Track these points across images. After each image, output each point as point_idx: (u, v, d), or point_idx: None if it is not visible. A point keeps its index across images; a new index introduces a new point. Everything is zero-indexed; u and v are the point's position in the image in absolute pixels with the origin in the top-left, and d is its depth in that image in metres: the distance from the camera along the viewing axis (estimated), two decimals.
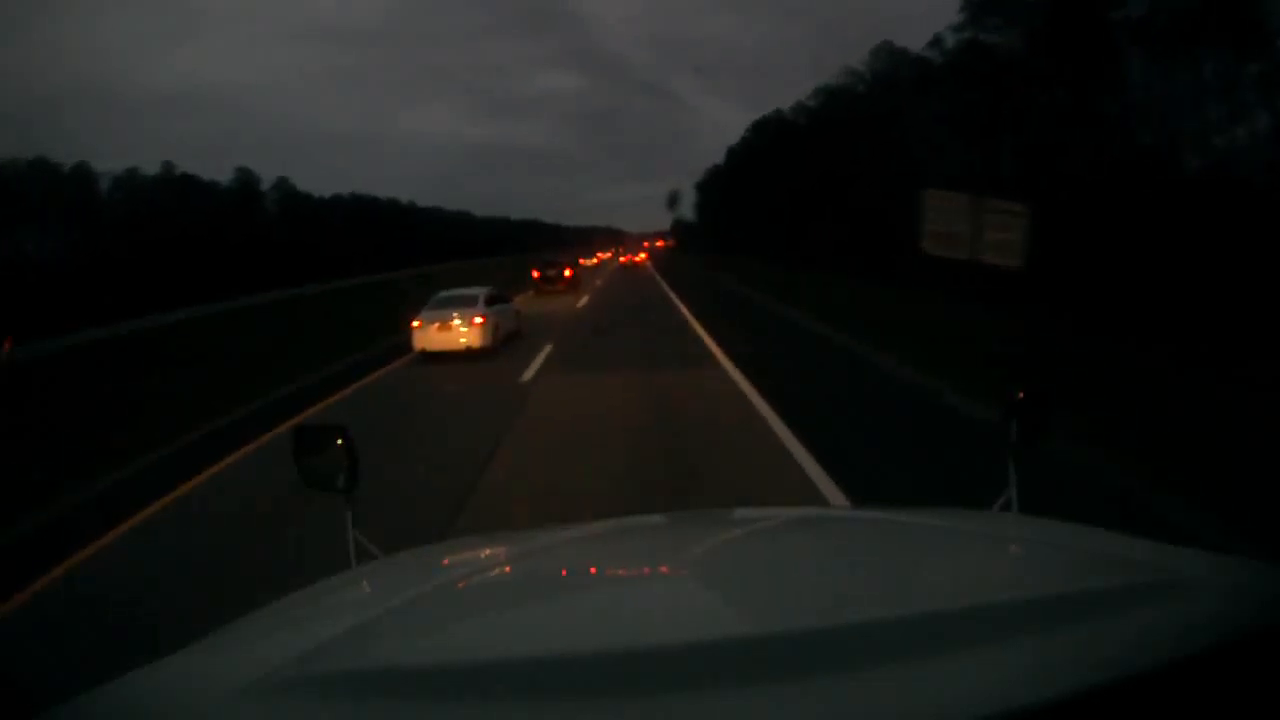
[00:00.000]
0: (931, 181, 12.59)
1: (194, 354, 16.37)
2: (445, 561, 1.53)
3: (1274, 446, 5.22)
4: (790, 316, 16.68)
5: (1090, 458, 5.19)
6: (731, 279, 30.18)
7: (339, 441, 1.68)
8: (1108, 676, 0.70)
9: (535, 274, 29.11)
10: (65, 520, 5.78)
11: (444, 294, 13.38)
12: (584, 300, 24.25)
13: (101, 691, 0.85)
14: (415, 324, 12.58)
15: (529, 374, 10.52)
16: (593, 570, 1.34)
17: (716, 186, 66.90)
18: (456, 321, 12.29)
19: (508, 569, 1.37)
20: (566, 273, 28.95)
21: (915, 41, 41.65)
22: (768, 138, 46.30)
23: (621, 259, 60.63)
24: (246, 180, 70.63)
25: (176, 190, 59.50)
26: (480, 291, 13.21)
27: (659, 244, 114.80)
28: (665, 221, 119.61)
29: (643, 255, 66.07)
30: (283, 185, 75.23)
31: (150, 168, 60.56)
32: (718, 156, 79.92)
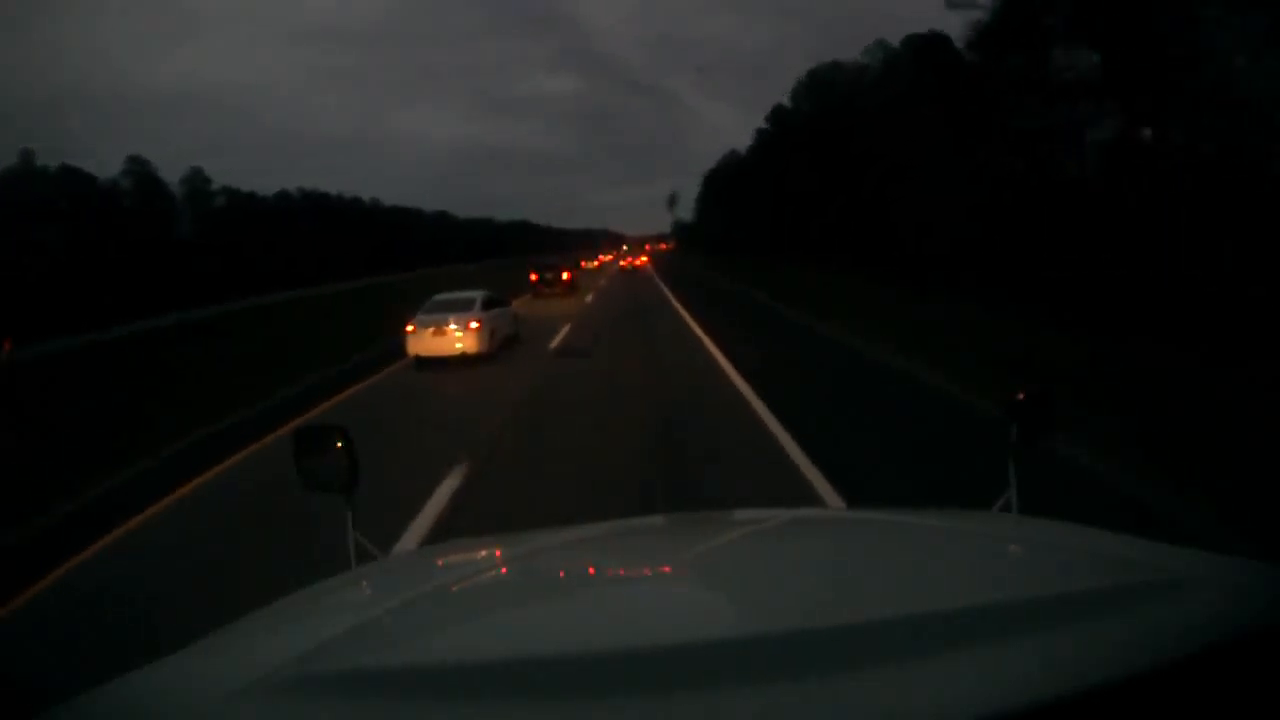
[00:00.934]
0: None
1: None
2: (445, 562, 1.53)
3: None
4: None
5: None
6: (754, 290, 25.49)
7: (339, 443, 1.68)
8: (1108, 676, 0.70)
9: (533, 277, 29.36)
10: None
11: (439, 297, 13.16)
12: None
13: (101, 691, 0.85)
14: (409, 328, 12.29)
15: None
16: (592, 571, 1.34)
17: (716, 188, 66.83)
18: (452, 326, 12.03)
19: (507, 570, 1.37)
20: (565, 276, 29.11)
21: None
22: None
23: (621, 263, 59.68)
24: (141, 174, 56.17)
25: (58, 186, 47.88)
26: (477, 295, 13.01)
27: (661, 246, 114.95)
28: (665, 223, 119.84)
29: (644, 259, 66.27)
30: (194, 180, 61.25)
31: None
32: (717, 157, 79.92)
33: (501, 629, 1.01)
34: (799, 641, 0.80)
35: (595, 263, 66.04)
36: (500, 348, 12.96)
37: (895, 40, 29.42)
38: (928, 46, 25.19)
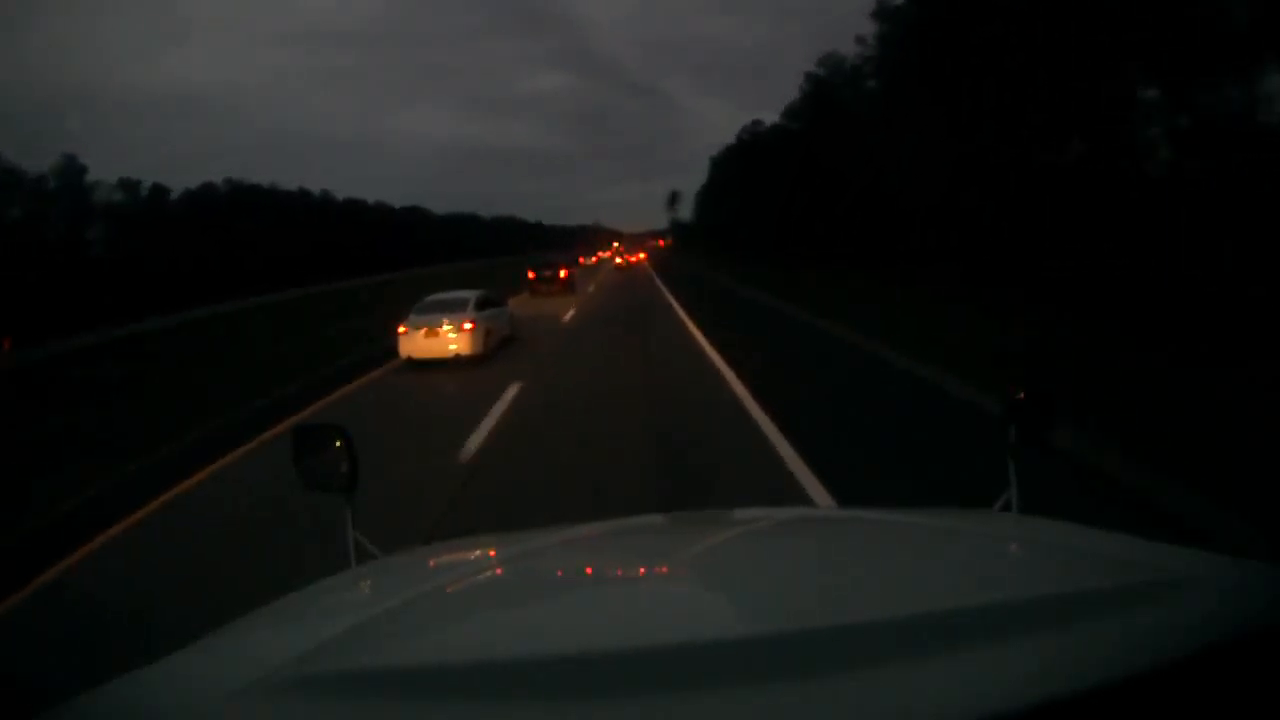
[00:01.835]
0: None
1: None
2: (444, 562, 1.53)
3: None
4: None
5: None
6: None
7: (338, 442, 1.68)
8: (1107, 676, 0.70)
9: (530, 275, 29.43)
10: None
11: (432, 297, 12.88)
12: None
13: (101, 691, 0.85)
14: (401, 329, 12.05)
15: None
16: (591, 570, 1.34)
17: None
18: (445, 327, 11.75)
19: (506, 570, 1.37)
20: (562, 273, 29.12)
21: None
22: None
23: (617, 260, 57.50)
24: (68, 171, 50.12)
25: None
26: (471, 295, 12.76)
27: (659, 243, 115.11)
28: (662, 221, 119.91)
29: (642, 255, 66.47)
30: (68, 171, 50.95)
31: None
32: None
33: (501, 629, 1.01)
34: (799, 641, 0.80)
35: (594, 259, 68.03)
36: (497, 349, 12.76)
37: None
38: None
